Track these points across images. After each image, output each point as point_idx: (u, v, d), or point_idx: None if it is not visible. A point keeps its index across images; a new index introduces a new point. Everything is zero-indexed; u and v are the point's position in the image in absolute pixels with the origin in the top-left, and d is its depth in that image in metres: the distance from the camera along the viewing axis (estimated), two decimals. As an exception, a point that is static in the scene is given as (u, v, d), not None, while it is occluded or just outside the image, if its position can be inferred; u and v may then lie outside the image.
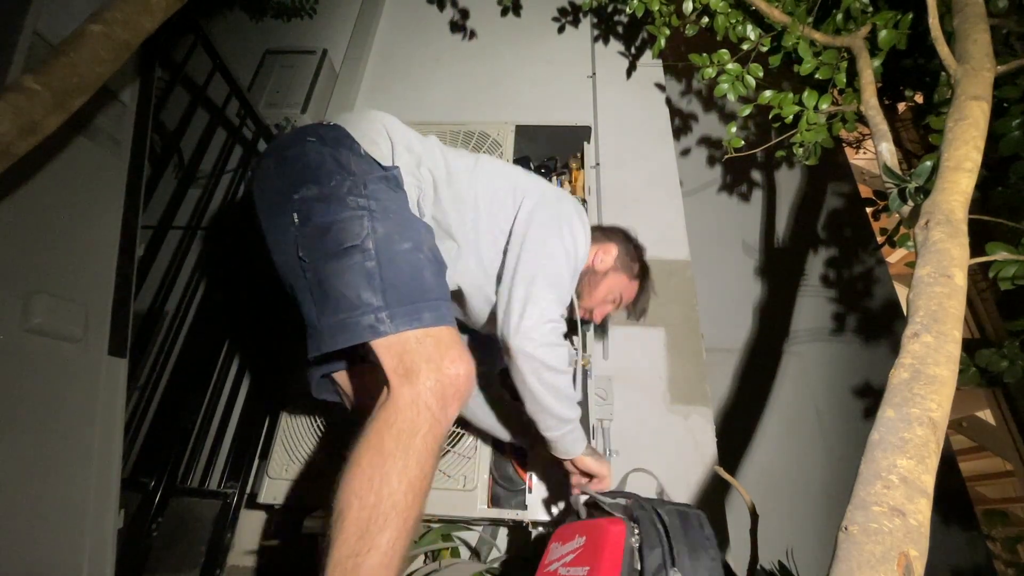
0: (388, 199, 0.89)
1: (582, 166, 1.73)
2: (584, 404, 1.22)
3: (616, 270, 1.17)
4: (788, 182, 2.22)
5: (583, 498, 0.95)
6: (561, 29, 2.59)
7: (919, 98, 1.63)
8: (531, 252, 0.96)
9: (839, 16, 1.43)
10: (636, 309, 1.24)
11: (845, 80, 1.41)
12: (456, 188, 1.02)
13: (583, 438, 1.01)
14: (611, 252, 1.17)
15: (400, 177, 0.96)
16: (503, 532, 1.39)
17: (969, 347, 1.03)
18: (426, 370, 0.76)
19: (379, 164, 0.95)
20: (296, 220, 0.84)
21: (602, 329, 1.63)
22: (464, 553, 1.31)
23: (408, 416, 0.73)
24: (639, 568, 0.73)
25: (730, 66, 1.53)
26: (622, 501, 0.86)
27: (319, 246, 0.81)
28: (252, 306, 1.73)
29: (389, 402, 0.75)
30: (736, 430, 1.89)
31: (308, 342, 0.82)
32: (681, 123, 2.31)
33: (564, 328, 0.94)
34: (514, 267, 0.95)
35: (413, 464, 0.71)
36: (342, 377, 1.06)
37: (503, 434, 1.19)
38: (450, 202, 1.01)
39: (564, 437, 0.97)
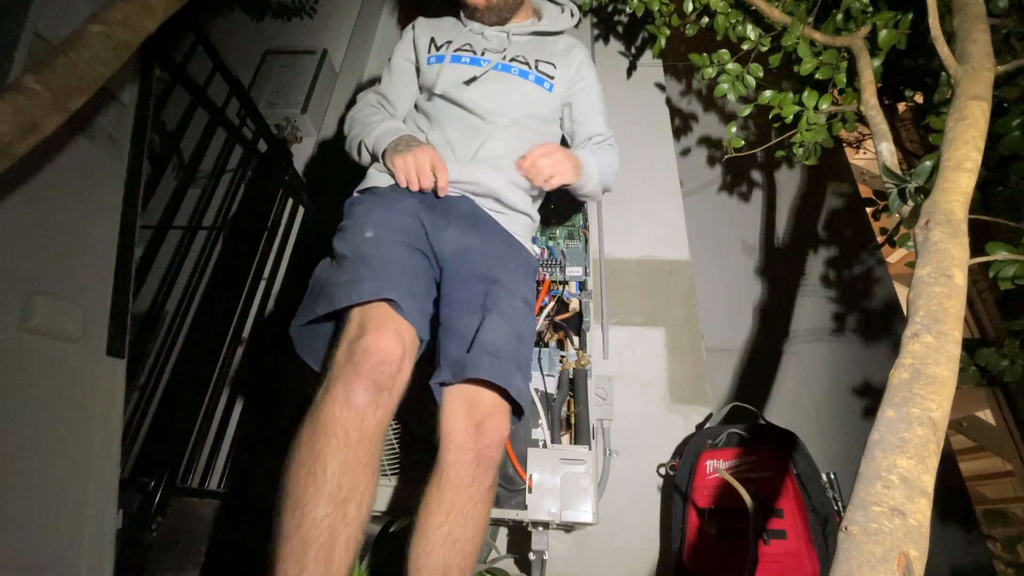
0: None
1: (582, 166, 1.73)
2: (584, 404, 1.22)
3: None
4: (788, 182, 2.22)
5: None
6: (561, 29, 2.58)
7: (919, 98, 1.63)
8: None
9: (839, 16, 1.43)
10: None
11: (845, 80, 1.41)
12: None
13: None
14: None
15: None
16: (503, 532, 1.39)
17: (969, 347, 1.03)
18: None
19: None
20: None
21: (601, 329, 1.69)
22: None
23: None
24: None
25: (730, 66, 1.53)
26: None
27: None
28: (252, 306, 1.73)
29: None
30: (736, 430, 1.88)
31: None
32: (681, 123, 2.31)
33: None
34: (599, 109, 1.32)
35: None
36: None
37: None
38: None
39: None
